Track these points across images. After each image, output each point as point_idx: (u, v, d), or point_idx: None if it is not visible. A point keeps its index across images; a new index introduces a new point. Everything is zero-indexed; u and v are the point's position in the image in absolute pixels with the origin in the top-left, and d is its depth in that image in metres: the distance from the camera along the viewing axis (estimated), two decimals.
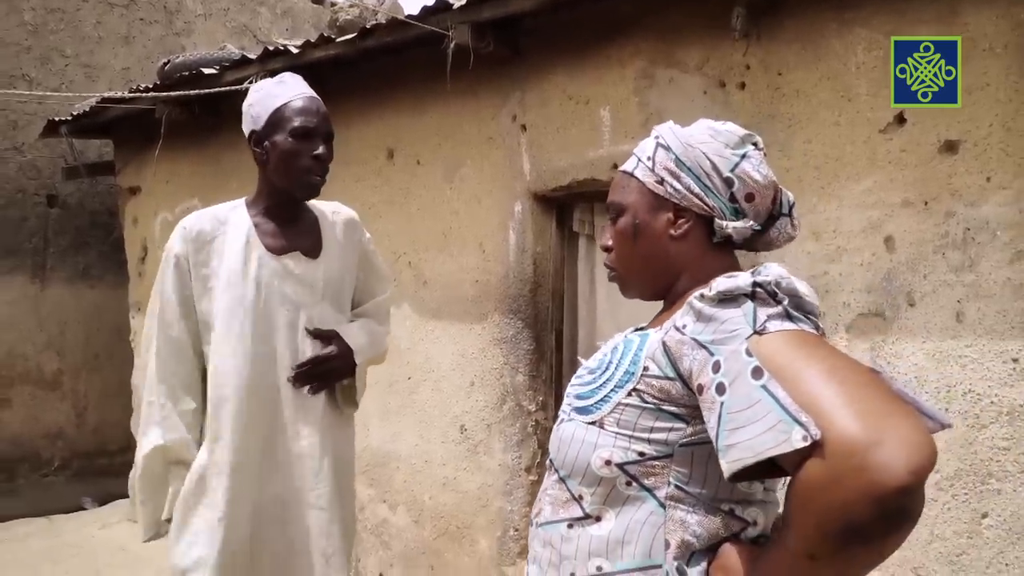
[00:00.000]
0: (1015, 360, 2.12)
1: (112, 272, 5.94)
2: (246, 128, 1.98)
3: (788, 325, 0.94)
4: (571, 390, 1.15)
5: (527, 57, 3.13)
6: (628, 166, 1.20)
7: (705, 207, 1.12)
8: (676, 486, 1.01)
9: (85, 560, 4.54)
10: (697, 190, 1.11)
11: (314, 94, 1.98)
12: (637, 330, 1.24)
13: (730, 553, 0.98)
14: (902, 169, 2.27)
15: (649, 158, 1.16)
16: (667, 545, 1.00)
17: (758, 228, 1.14)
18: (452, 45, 2.97)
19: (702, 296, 0.99)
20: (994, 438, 2.15)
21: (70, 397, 5.99)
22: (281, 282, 1.94)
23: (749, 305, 0.96)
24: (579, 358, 1.32)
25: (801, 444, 0.83)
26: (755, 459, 0.86)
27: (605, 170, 2.90)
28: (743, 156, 1.11)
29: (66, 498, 5.60)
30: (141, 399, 1.99)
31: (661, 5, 2.73)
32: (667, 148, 1.14)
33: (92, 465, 6.03)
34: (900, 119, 2.28)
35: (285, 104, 1.92)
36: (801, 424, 0.84)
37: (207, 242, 1.93)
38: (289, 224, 2.01)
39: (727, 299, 0.97)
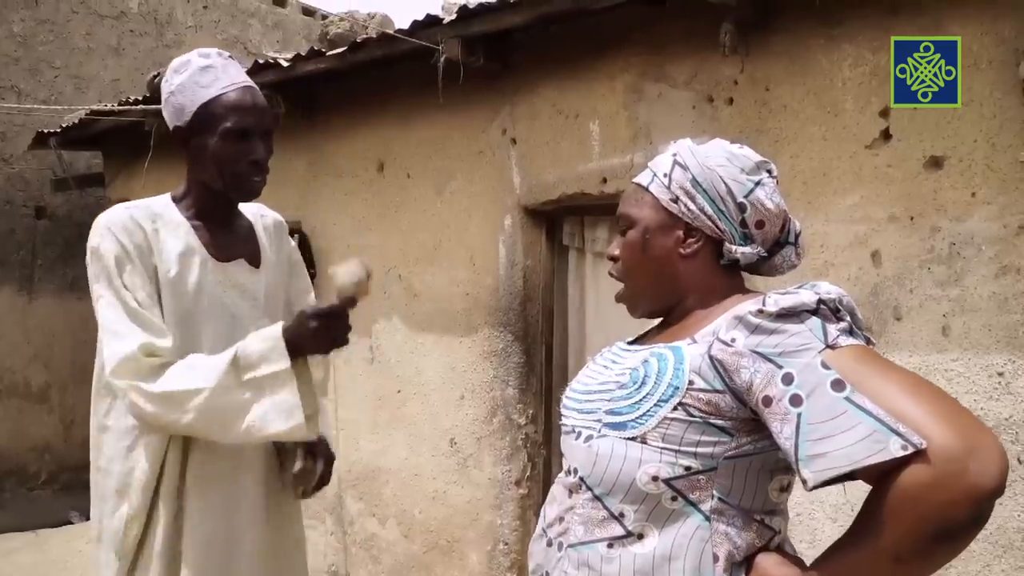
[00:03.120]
0: (1000, 374, 2.13)
1: None
2: (169, 121, 1.69)
3: (855, 340, 0.98)
4: (591, 405, 1.12)
5: (517, 71, 3.14)
6: (643, 180, 1.20)
7: (716, 230, 1.13)
8: (719, 499, 1.02)
9: (72, 575, 4.50)
10: (710, 212, 1.13)
11: (249, 81, 1.70)
12: (632, 342, 1.24)
13: (766, 563, 1.00)
14: (888, 184, 2.29)
15: (666, 175, 1.16)
16: (715, 558, 1.01)
17: (764, 255, 1.16)
18: (442, 59, 2.98)
19: (760, 311, 1.00)
20: None
21: (57, 410, 5.95)
22: (223, 292, 1.69)
23: (815, 320, 0.98)
24: (588, 358, 1.30)
25: (900, 453, 0.86)
26: (850, 468, 0.89)
27: (595, 184, 2.91)
28: (757, 183, 1.13)
29: (53, 512, 5.55)
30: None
31: (650, 21, 2.75)
32: (684, 167, 1.15)
33: (79, 479, 5.94)
34: (886, 134, 2.30)
35: (215, 99, 1.62)
36: (899, 434, 0.87)
37: (145, 234, 1.64)
38: (227, 228, 1.74)
39: (790, 314, 0.98)
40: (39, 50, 5.74)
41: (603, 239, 3.10)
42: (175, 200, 1.73)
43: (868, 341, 1.01)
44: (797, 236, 1.20)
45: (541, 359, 3.21)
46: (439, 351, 3.41)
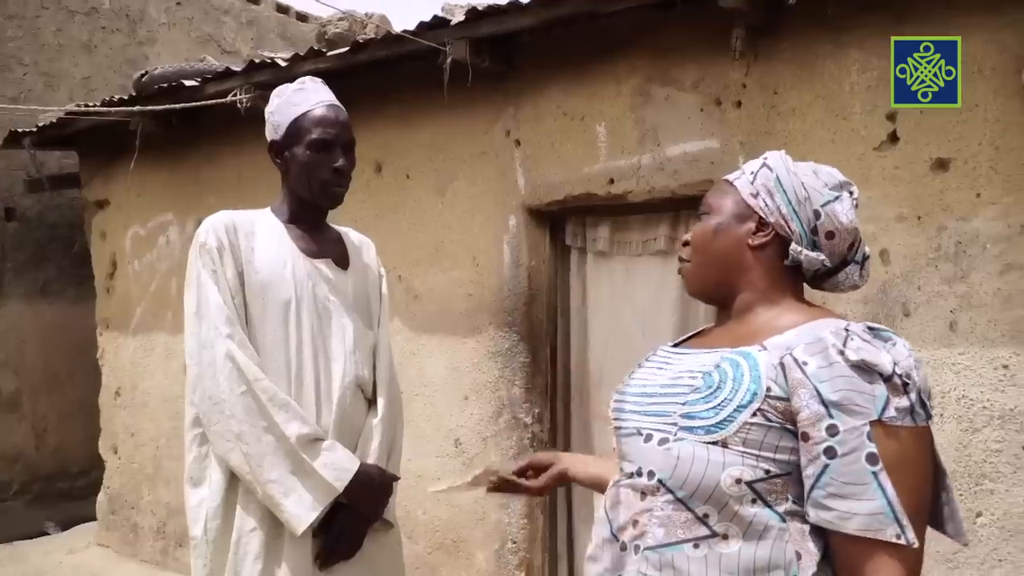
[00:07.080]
0: (1006, 367, 2.23)
1: (72, 288, 5.77)
2: (268, 136, 1.93)
3: (909, 423, 1.03)
4: (659, 408, 1.15)
5: (522, 73, 3.17)
6: (732, 176, 1.28)
7: (787, 228, 1.19)
8: (793, 501, 1.07)
9: None
10: (785, 211, 1.19)
11: (335, 101, 1.91)
12: (677, 344, 1.30)
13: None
14: (896, 185, 2.38)
15: (752, 173, 1.24)
16: (799, 556, 1.05)
17: (828, 266, 1.21)
18: (449, 60, 2.99)
19: (842, 351, 1.04)
20: (987, 441, 2.26)
21: (29, 418, 5.78)
22: (315, 284, 1.87)
23: (882, 389, 1.03)
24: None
25: (893, 540, 0.99)
26: (841, 530, 1.02)
27: (602, 185, 2.95)
28: (837, 197, 1.19)
29: (27, 523, 5.40)
30: (206, 402, 1.75)
31: (655, 25, 2.80)
32: (771, 168, 1.22)
33: (53, 488, 5.82)
34: (893, 137, 2.39)
35: (304, 114, 1.85)
36: (901, 525, 0.99)
37: (246, 234, 1.84)
38: (316, 232, 1.95)
39: (864, 369, 1.03)
40: (7, 46, 5.56)
41: (604, 239, 3.15)
42: (273, 210, 1.95)
43: (927, 415, 1.06)
44: (865, 259, 1.25)
45: (546, 358, 3.25)
46: (442, 352, 3.41)
